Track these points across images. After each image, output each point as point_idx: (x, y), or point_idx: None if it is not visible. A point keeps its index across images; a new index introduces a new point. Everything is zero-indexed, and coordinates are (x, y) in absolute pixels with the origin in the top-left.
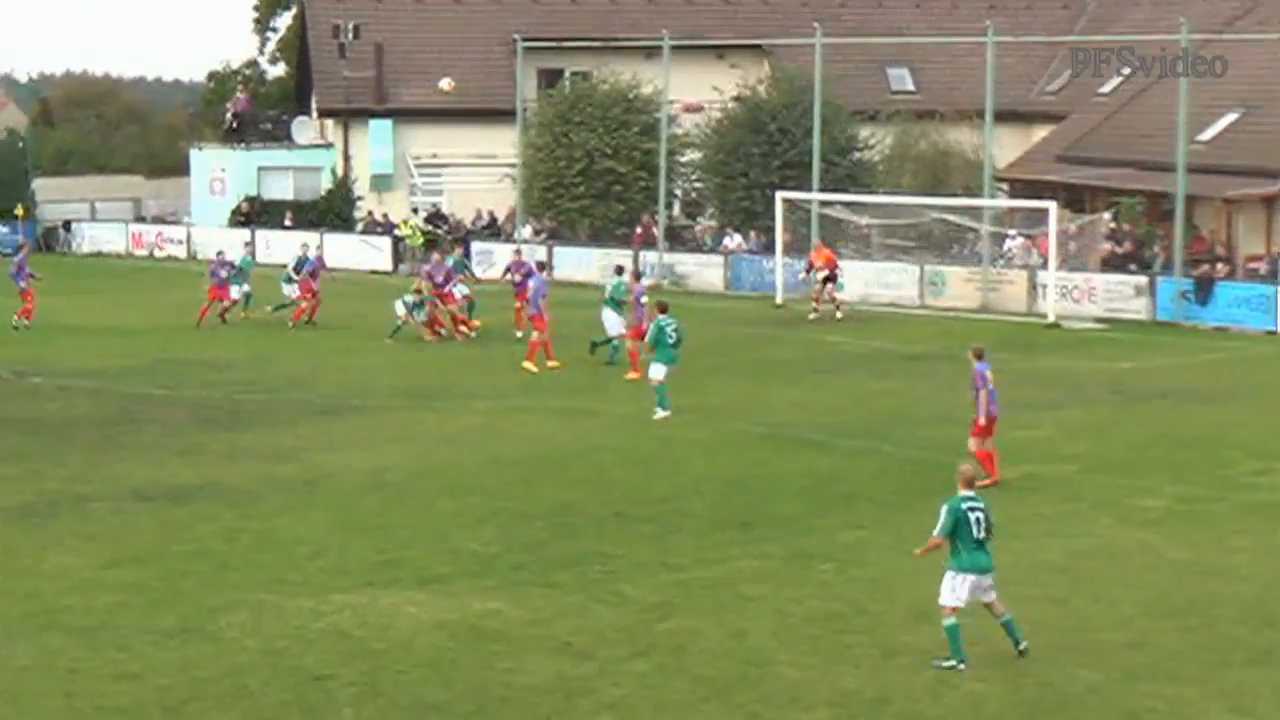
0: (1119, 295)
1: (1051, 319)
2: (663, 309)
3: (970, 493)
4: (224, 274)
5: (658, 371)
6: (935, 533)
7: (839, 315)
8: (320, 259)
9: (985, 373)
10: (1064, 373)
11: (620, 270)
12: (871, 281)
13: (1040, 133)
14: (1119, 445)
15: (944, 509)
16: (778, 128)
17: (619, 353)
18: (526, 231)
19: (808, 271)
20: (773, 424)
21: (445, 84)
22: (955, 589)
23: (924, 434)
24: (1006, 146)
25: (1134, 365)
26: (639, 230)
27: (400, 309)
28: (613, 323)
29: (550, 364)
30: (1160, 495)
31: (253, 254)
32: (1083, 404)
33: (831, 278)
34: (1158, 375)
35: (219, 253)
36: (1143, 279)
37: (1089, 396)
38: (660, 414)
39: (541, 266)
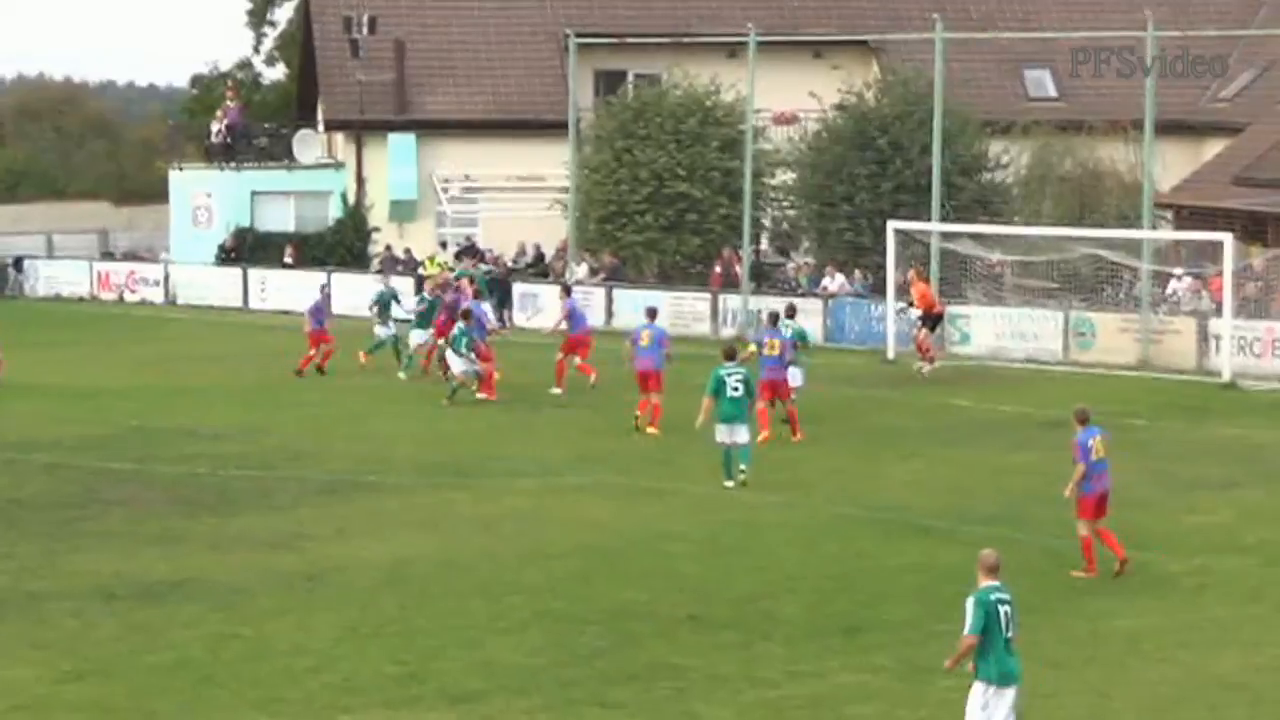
0: None
1: (1227, 378)
2: (728, 355)
3: (996, 582)
4: (323, 318)
5: (718, 434)
6: (966, 630)
7: (924, 370)
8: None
9: (1089, 443)
10: (1243, 444)
11: (653, 315)
12: (1004, 331)
13: (1213, 148)
14: None
15: (970, 602)
16: (889, 143)
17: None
18: (581, 271)
19: (904, 310)
20: (882, 507)
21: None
22: (988, 708)
23: (1069, 519)
24: (1171, 165)
25: None
26: (718, 269)
27: (458, 365)
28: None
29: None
30: None
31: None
32: (1266, 482)
33: (928, 322)
34: None
35: (322, 288)
36: None
37: (1273, 473)
38: (728, 483)
39: (652, 314)
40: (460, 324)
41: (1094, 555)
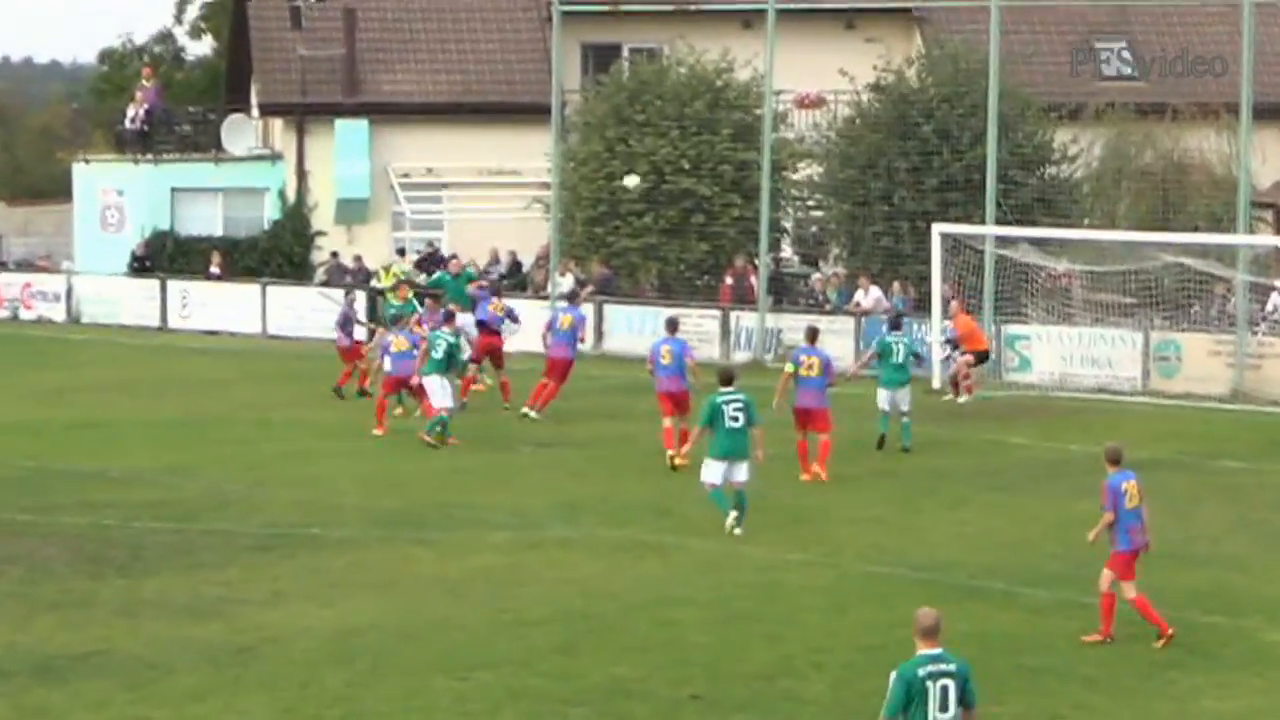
0: None
1: None
2: (726, 380)
3: (935, 650)
4: (353, 329)
5: (710, 472)
6: (882, 713)
7: (960, 400)
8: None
9: (1121, 487)
10: None
11: (673, 326)
12: (1073, 355)
13: None
14: None
15: (893, 677)
16: (934, 130)
17: None
18: (565, 282)
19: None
20: (926, 565)
21: (631, 181)
22: None
23: (1151, 580)
24: (1273, 156)
25: None
26: (729, 281)
27: (439, 395)
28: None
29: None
30: None
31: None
32: None
33: (978, 356)
34: None
35: (348, 296)
36: None
37: None
38: (730, 523)
39: (673, 326)
40: (444, 332)
41: (1113, 617)
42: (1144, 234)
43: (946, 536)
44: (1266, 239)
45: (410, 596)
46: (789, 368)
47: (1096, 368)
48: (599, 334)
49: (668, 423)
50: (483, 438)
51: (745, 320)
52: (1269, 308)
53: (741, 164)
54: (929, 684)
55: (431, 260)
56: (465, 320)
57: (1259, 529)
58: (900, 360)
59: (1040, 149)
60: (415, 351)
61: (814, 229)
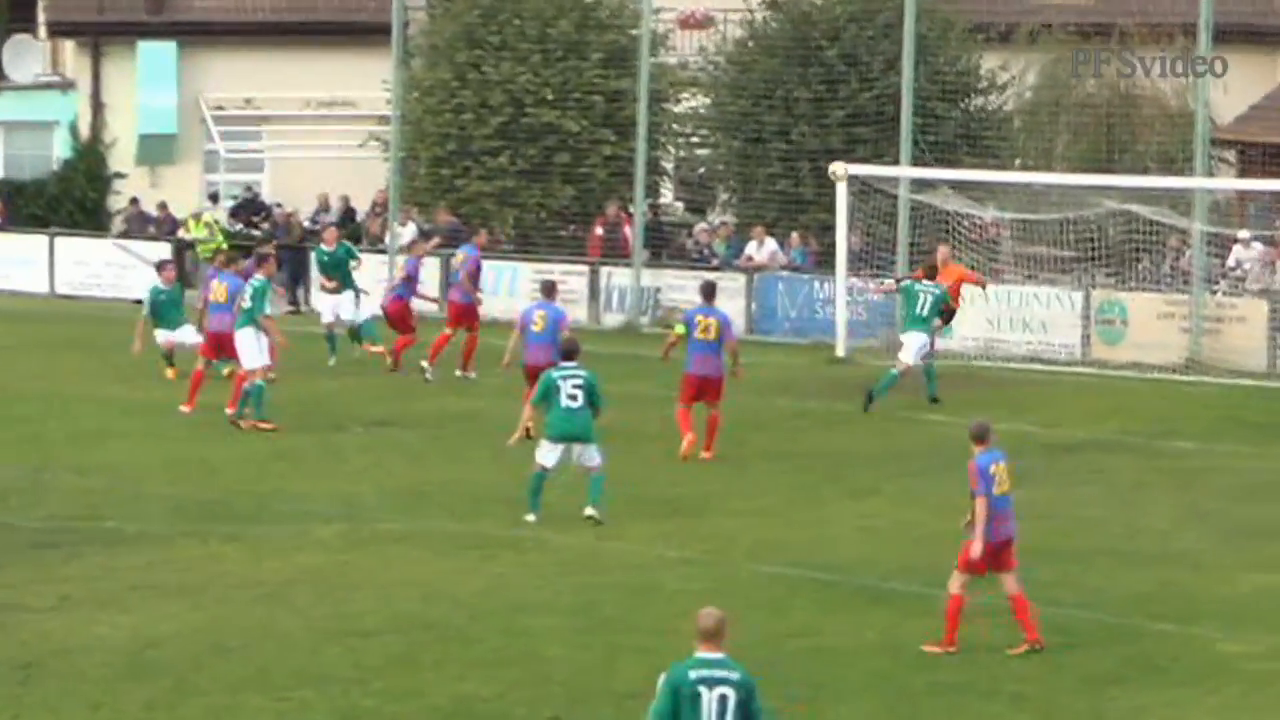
0: None
1: None
2: (567, 354)
3: (717, 654)
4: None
5: (543, 453)
6: None
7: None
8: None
9: (990, 469)
10: None
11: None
12: (1001, 318)
13: None
14: None
15: (661, 679)
16: (840, 55)
17: None
18: (407, 232)
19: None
20: (827, 564)
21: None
22: None
23: (1089, 581)
24: (1236, 88)
25: None
26: (600, 231)
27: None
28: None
29: None
30: None
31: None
32: None
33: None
34: None
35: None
36: None
37: None
38: (530, 517)
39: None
40: (256, 279)
41: (957, 624)
42: (1085, 176)
43: (851, 530)
44: (1227, 182)
45: (221, 602)
46: (679, 329)
47: (1029, 333)
48: (443, 293)
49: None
50: (307, 416)
51: (618, 277)
52: (1230, 263)
53: (614, 94)
54: (702, 690)
55: (250, 208)
56: (345, 299)
57: (1214, 521)
58: (925, 313)
59: (964, 77)
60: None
61: (699, 171)
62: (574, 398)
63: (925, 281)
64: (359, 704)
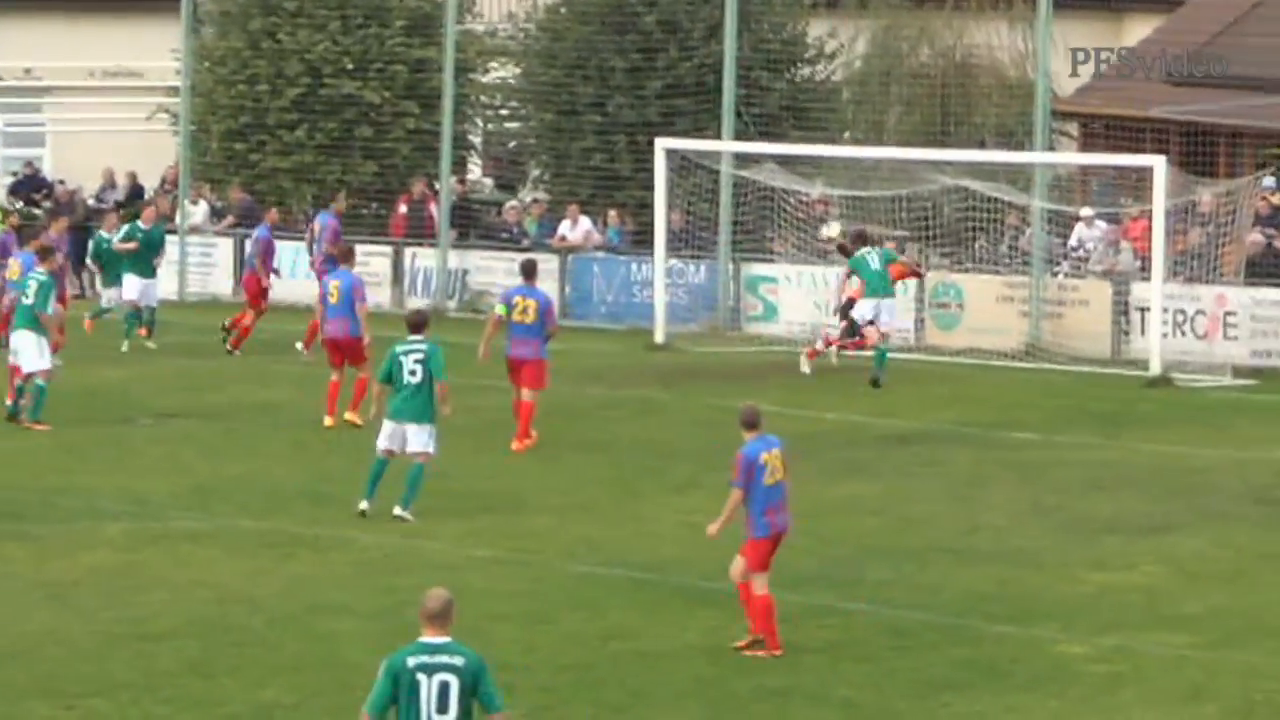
0: (1278, 326)
1: (1156, 369)
2: (415, 326)
3: (440, 639)
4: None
5: (381, 436)
6: (363, 710)
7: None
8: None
9: (760, 457)
10: (1177, 467)
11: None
12: (830, 302)
13: (1138, 30)
14: (1275, 600)
15: (382, 666)
16: (658, 22)
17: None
18: (198, 211)
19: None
20: (646, 563)
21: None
22: None
23: (924, 580)
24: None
25: None
26: (403, 209)
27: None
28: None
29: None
30: None
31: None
32: (1210, 524)
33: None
34: None
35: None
36: None
37: (1220, 510)
38: (363, 505)
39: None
40: (37, 272)
41: (774, 625)
42: (918, 151)
43: (672, 528)
44: (1068, 156)
45: (3, 604)
46: (499, 309)
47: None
48: (237, 276)
49: (334, 376)
50: (92, 408)
51: (423, 258)
52: (1072, 242)
53: (418, 64)
54: (420, 677)
55: (31, 185)
56: (149, 285)
57: (1055, 516)
58: (880, 267)
59: (790, 46)
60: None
61: (509, 145)
62: (414, 373)
63: (864, 249)
64: (151, 712)
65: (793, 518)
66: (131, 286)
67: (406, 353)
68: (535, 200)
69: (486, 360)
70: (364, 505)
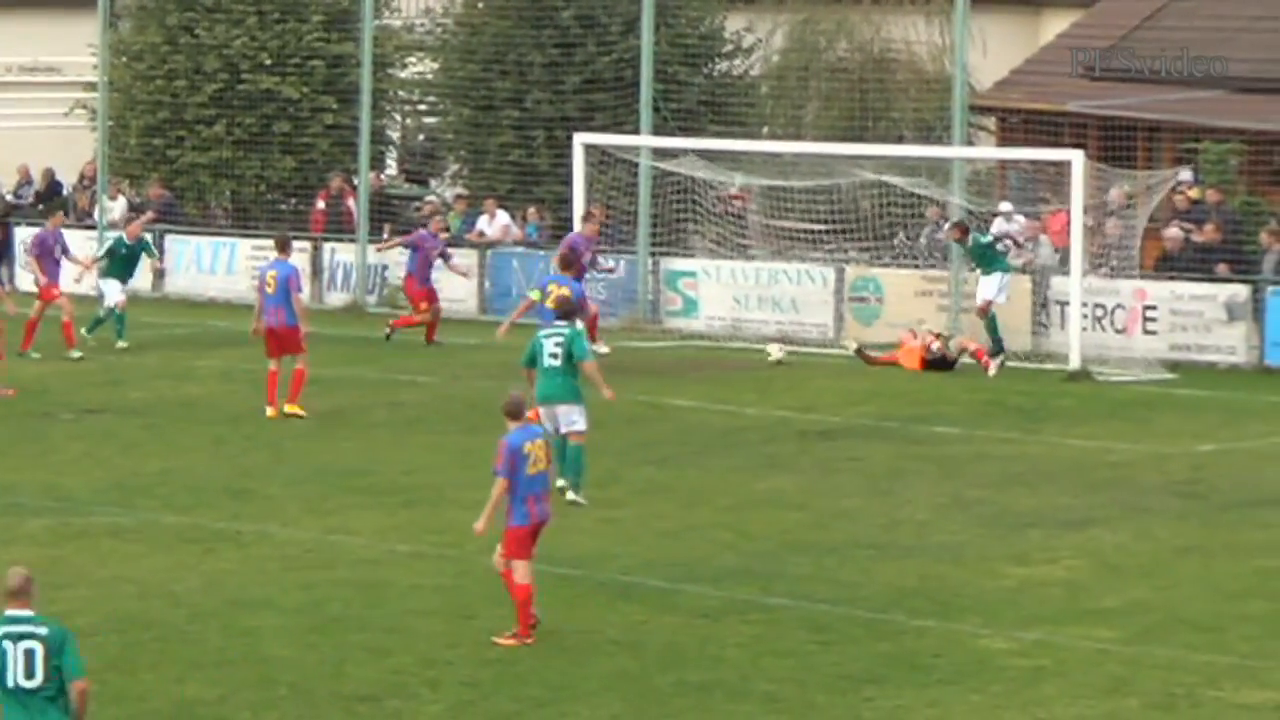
0: (1197, 320)
1: (1075, 364)
2: (563, 311)
3: (24, 611)
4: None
5: (546, 420)
6: None
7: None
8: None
9: (523, 447)
10: (1098, 461)
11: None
12: (749, 297)
13: (1055, 24)
14: (1195, 594)
15: None
16: (575, 16)
17: None
18: (117, 207)
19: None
20: (567, 558)
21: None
22: None
23: (845, 575)
24: (996, 51)
25: (1221, 447)
26: (321, 205)
27: None
28: None
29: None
30: (1272, 686)
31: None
32: (1131, 518)
33: None
34: (1265, 465)
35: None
36: (1240, 291)
37: (1140, 504)
38: (562, 482)
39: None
40: None
41: (530, 612)
42: (836, 146)
43: (593, 523)
44: (987, 151)
45: None
46: (533, 294)
47: (778, 311)
48: (158, 271)
49: (272, 366)
50: (12, 403)
51: (341, 254)
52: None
53: (336, 59)
54: (8, 644)
55: None
56: (111, 286)
57: (976, 510)
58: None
59: (708, 40)
60: None
61: (426, 139)
62: (554, 356)
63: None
64: None
65: (551, 511)
66: (114, 291)
67: (548, 336)
68: (459, 195)
69: (505, 337)
70: (563, 483)
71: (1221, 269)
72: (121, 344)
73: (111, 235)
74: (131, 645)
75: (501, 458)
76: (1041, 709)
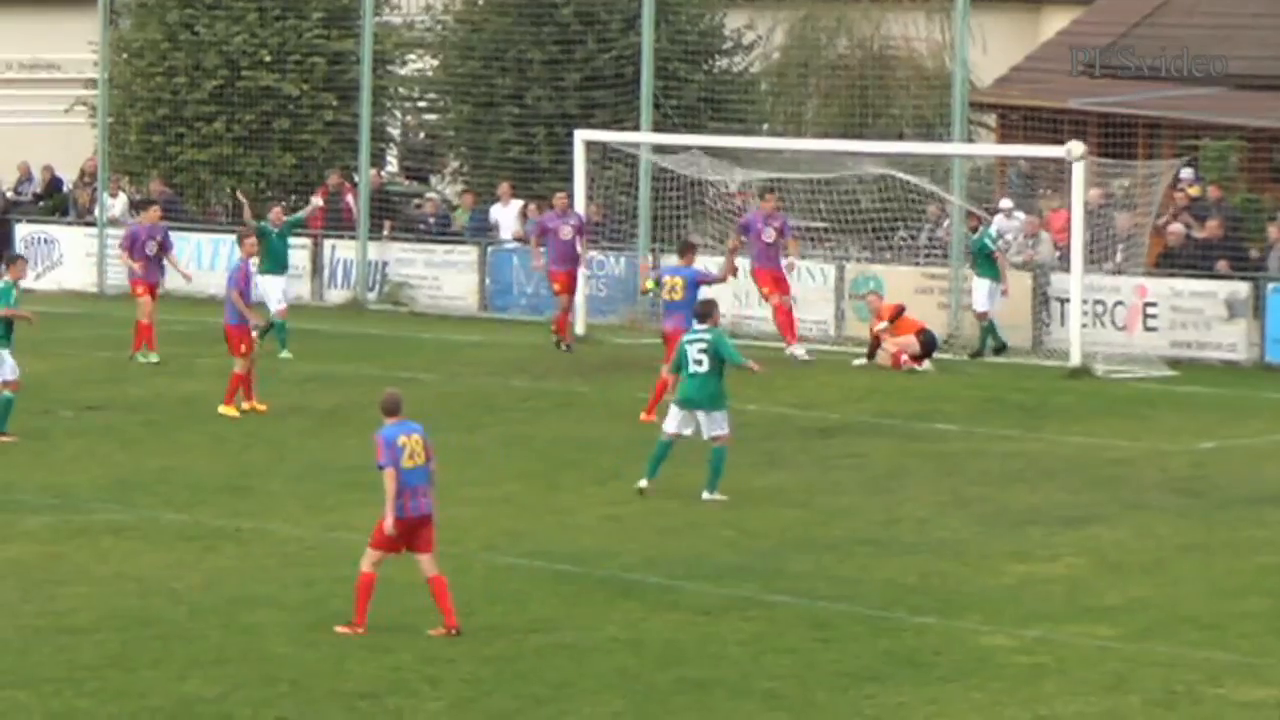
0: (1197, 317)
1: (1075, 360)
2: (701, 313)
3: None
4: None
5: (670, 420)
6: None
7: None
8: None
9: (398, 440)
10: (1098, 458)
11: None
12: (751, 293)
13: (1055, 22)
14: (1195, 591)
15: None
16: (576, 14)
17: None
18: (117, 204)
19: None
20: (568, 555)
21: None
22: None
23: (845, 572)
24: (996, 47)
25: (1221, 445)
26: (319, 202)
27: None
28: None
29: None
30: (1272, 683)
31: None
32: (1131, 515)
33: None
34: (1265, 463)
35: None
36: (1241, 288)
37: (1141, 501)
38: (643, 483)
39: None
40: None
41: (367, 604)
42: (836, 142)
43: (594, 520)
44: (987, 148)
45: None
46: (649, 284)
47: None
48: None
49: (239, 367)
50: (20, 398)
51: (342, 251)
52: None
53: (336, 56)
54: None
55: None
56: (275, 283)
57: (976, 507)
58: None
59: (708, 37)
60: None
61: (426, 137)
62: (699, 362)
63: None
64: (73, 705)
65: (432, 506)
66: (274, 294)
67: (691, 342)
68: (465, 190)
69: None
70: (644, 484)
71: (1222, 265)
72: (284, 354)
73: (114, 233)
74: (132, 642)
75: (381, 451)
76: (1042, 706)
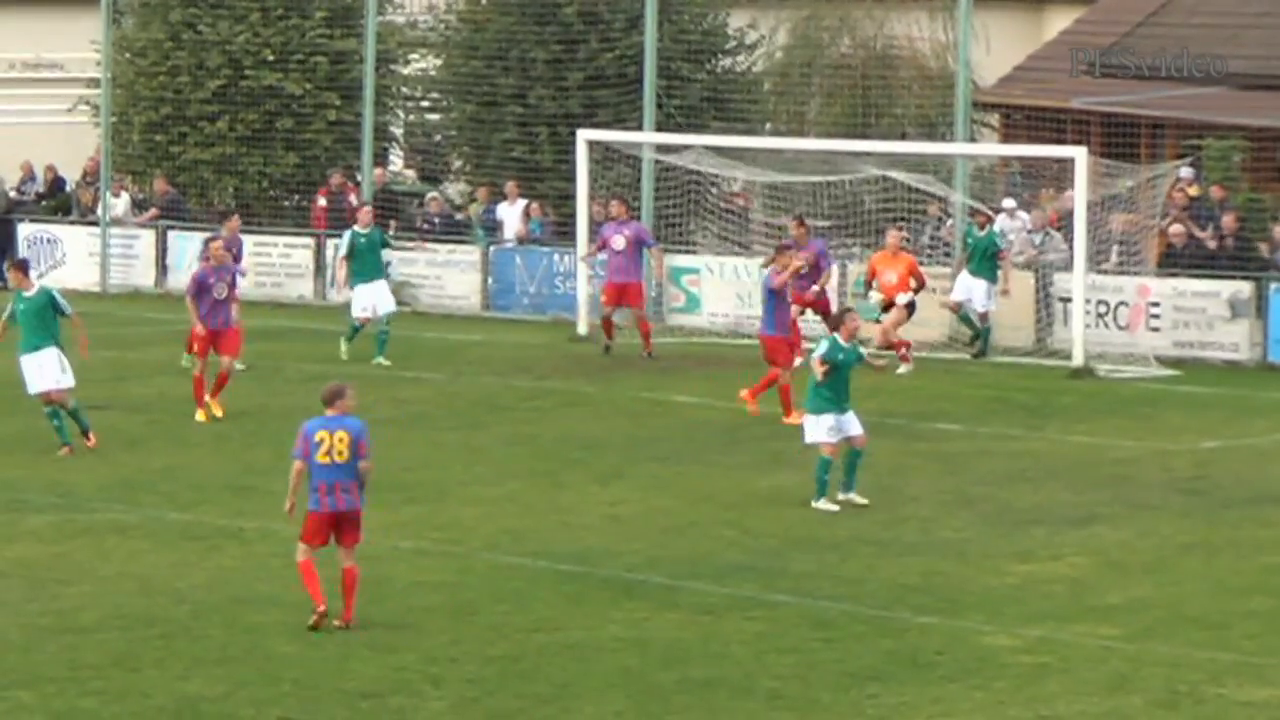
0: (1200, 317)
1: (1078, 360)
2: (832, 320)
3: None
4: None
5: (813, 428)
6: None
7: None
8: None
9: (316, 434)
10: (1101, 458)
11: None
12: (751, 293)
13: (1058, 21)
14: (1199, 591)
15: None
16: (579, 13)
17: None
18: (120, 203)
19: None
20: (571, 554)
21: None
22: None
23: (848, 571)
24: (999, 47)
25: (1224, 444)
26: (322, 201)
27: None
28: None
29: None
30: (1276, 683)
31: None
32: (1134, 515)
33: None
34: (1268, 462)
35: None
36: (1244, 288)
37: (1144, 501)
38: (822, 504)
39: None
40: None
41: (317, 586)
42: (839, 142)
43: (597, 519)
44: (989, 147)
45: None
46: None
47: None
48: (162, 266)
49: (196, 368)
50: (15, 399)
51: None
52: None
53: (339, 55)
54: None
55: None
56: (381, 290)
57: (980, 507)
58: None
59: (710, 37)
60: None
61: (430, 135)
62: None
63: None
64: (77, 704)
65: (352, 503)
66: (360, 301)
67: (837, 345)
68: (481, 185)
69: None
70: (823, 504)
71: (1224, 265)
72: (380, 360)
73: (117, 232)
74: (135, 642)
75: (298, 441)
76: (1045, 706)
